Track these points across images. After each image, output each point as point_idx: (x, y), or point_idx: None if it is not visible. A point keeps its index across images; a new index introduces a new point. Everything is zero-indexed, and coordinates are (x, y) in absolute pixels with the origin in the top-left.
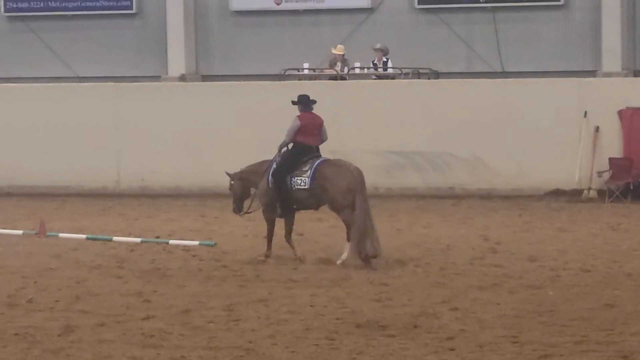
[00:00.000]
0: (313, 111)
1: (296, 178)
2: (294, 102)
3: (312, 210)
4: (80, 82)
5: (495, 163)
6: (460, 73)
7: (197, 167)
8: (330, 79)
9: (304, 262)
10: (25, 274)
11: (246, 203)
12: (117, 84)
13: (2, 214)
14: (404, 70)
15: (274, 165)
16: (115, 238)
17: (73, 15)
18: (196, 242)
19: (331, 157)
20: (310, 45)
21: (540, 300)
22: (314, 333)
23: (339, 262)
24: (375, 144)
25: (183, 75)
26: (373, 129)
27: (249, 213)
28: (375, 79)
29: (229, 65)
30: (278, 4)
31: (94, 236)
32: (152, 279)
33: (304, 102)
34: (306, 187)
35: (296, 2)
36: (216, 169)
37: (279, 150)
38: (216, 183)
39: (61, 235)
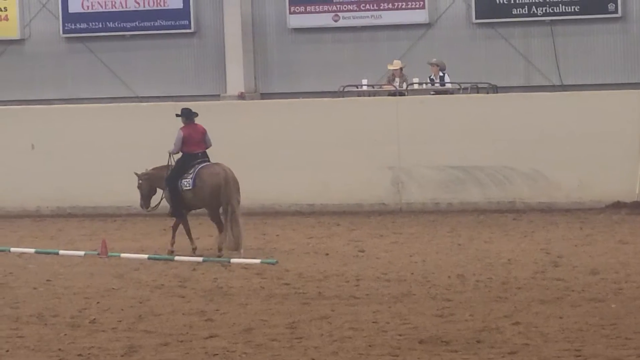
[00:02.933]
0: (195, 122)
1: (183, 181)
2: (177, 115)
3: (197, 208)
4: (139, 101)
5: (555, 176)
6: (519, 87)
7: (258, 185)
8: (389, 95)
9: (196, 253)
10: (88, 294)
11: (153, 200)
12: (176, 103)
13: (64, 235)
14: (463, 85)
15: (168, 172)
16: (177, 257)
17: (131, 35)
18: (258, 261)
19: (387, 170)
20: (368, 61)
21: (602, 314)
22: (377, 349)
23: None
24: (435, 159)
25: (242, 93)
26: (433, 144)
27: (154, 209)
28: (433, 94)
29: (288, 83)
30: (336, 21)
31: (155, 256)
32: (214, 298)
33: (186, 115)
34: (190, 187)
35: (354, 18)
36: (276, 187)
37: (170, 156)
38: (277, 201)
39: (123, 255)
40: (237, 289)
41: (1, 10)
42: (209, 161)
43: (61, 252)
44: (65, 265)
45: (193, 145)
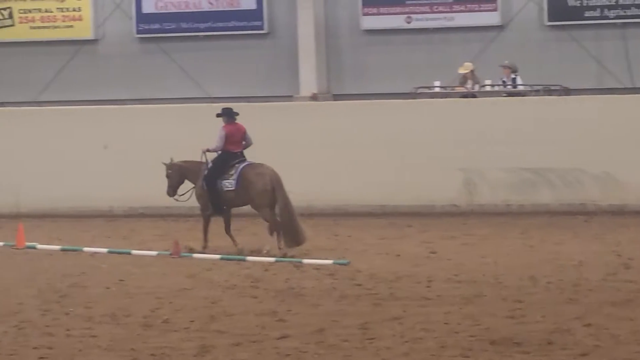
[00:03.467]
0: (235, 121)
1: (224, 181)
2: (218, 115)
3: (239, 207)
4: (212, 102)
5: (626, 178)
6: (591, 89)
7: (330, 186)
8: (461, 97)
9: (242, 252)
10: (160, 294)
11: (180, 189)
12: (249, 104)
13: (137, 235)
14: (535, 87)
15: (206, 171)
16: (248, 258)
17: (204, 36)
18: (330, 261)
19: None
20: (441, 63)
21: None
22: (449, 351)
23: (264, 252)
24: (507, 161)
25: (314, 94)
26: (504, 145)
27: (181, 197)
28: (505, 96)
29: (360, 84)
30: (408, 23)
31: (227, 256)
32: (286, 298)
33: (228, 114)
34: (232, 188)
35: (426, 20)
36: (348, 188)
37: (203, 153)
38: (349, 202)
39: (195, 255)
40: (309, 289)
41: (75, 11)
42: (247, 161)
43: (134, 252)
44: (138, 265)
45: (233, 145)
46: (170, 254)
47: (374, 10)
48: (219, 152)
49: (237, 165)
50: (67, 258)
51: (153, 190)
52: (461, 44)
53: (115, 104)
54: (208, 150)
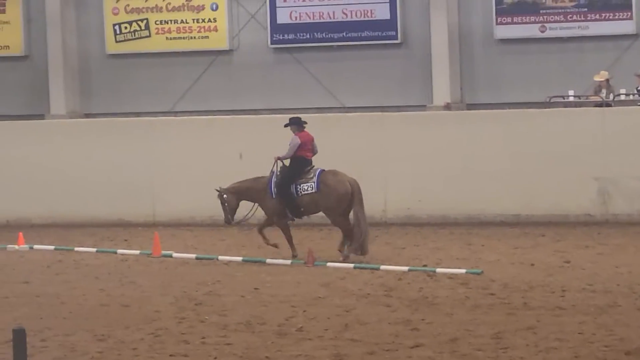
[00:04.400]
0: (305, 130)
1: (303, 185)
2: (286, 125)
3: (313, 214)
4: (345, 112)
5: None
6: None
7: (463, 195)
8: (595, 106)
9: (278, 247)
10: (295, 302)
11: (237, 216)
12: (384, 113)
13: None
14: None
15: (274, 179)
16: (382, 267)
17: (338, 46)
18: (463, 270)
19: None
20: (574, 72)
21: None
22: None
23: (341, 259)
24: None
25: (448, 103)
26: (639, 155)
27: (242, 223)
28: None
29: (493, 93)
30: (542, 32)
31: (361, 265)
32: (420, 307)
33: (298, 123)
34: (313, 191)
35: (560, 29)
36: (482, 197)
37: (275, 161)
38: (482, 211)
39: (329, 264)
40: (442, 298)
41: (211, 22)
42: (318, 167)
43: (268, 260)
44: (272, 273)
45: (306, 151)
46: (304, 263)
47: (508, 19)
48: (290, 159)
49: (313, 170)
50: (202, 266)
51: None
52: (595, 52)
53: (250, 114)
54: (279, 159)
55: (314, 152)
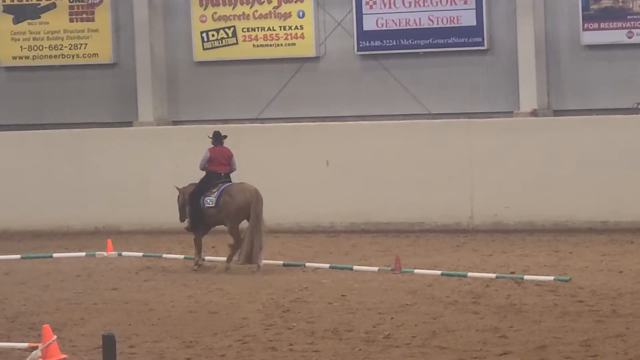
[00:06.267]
0: (224, 145)
1: (206, 198)
2: (209, 137)
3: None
4: (432, 118)
5: None
6: None
7: (550, 202)
8: None
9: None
10: (382, 310)
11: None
12: (470, 120)
13: (358, 250)
14: None
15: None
16: (470, 274)
17: (424, 52)
18: (551, 278)
19: None
20: None
21: None
22: None
23: (225, 267)
24: None
25: (535, 110)
26: None
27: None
28: None
29: (580, 100)
30: (630, 37)
31: (449, 272)
32: (507, 315)
33: (216, 137)
34: (212, 205)
35: None
36: (569, 203)
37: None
38: (570, 218)
39: (416, 271)
40: (530, 306)
41: (298, 29)
42: (231, 182)
43: (355, 267)
44: (359, 280)
45: (218, 166)
46: (392, 270)
47: (595, 25)
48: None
49: (220, 184)
50: (289, 273)
51: (374, 206)
52: None
53: (337, 121)
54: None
55: (232, 168)
